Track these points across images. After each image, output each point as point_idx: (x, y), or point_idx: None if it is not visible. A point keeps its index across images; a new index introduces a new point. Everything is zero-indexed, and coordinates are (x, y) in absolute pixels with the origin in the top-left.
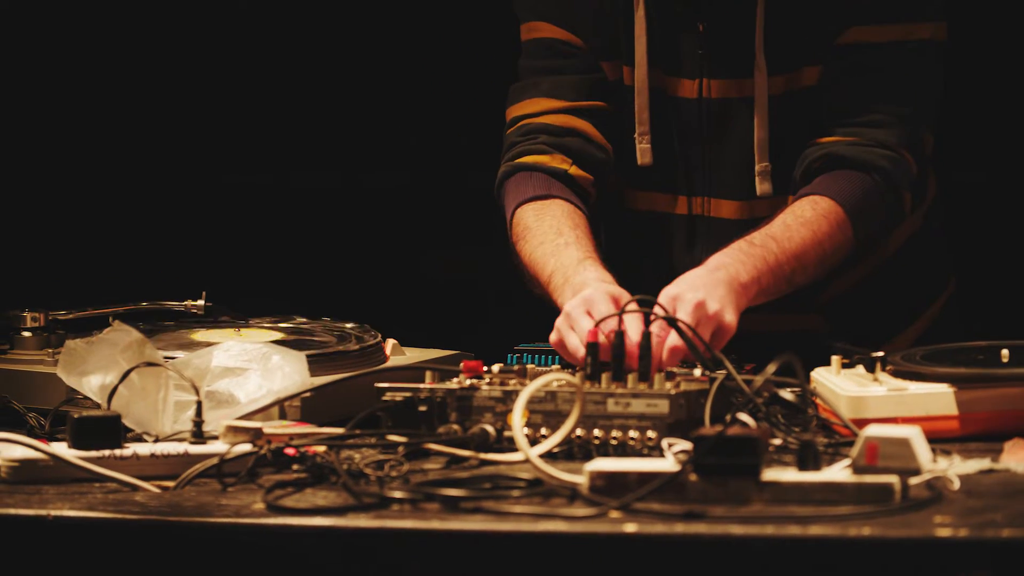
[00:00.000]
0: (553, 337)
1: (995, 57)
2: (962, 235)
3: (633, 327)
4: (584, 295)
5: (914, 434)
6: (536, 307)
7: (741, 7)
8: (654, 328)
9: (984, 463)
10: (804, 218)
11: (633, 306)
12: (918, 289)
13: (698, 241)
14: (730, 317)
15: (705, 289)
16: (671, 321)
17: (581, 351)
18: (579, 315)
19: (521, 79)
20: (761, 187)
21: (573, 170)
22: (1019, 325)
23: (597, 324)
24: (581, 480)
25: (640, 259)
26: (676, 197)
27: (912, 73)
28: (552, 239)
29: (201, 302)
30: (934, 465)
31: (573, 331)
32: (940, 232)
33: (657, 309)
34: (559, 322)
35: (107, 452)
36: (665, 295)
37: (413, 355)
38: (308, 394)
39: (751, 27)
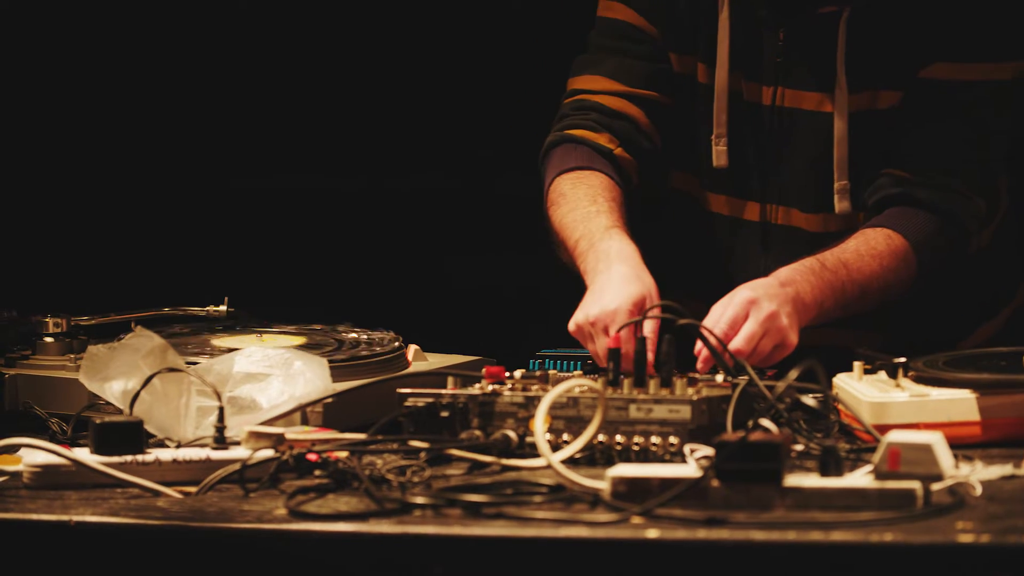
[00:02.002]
0: (572, 328)
1: None
2: None
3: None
4: (607, 306)
5: (936, 440)
6: (558, 313)
7: (824, 21)
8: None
9: (1006, 469)
10: (877, 250)
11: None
12: (983, 299)
13: (771, 248)
14: (794, 336)
15: (779, 301)
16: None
17: (602, 363)
18: (597, 332)
19: (587, 52)
20: (840, 205)
21: (618, 151)
22: None
23: (619, 330)
24: (603, 486)
25: (707, 260)
26: (748, 202)
27: (993, 116)
28: (585, 206)
29: (223, 308)
30: (956, 471)
31: (593, 343)
32: (1012, 243)
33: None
34: (578, 324)
35: (129, 458)
36: (739, 296)
37: (435, 360)
38: (330, 400)
39: (831, 42)
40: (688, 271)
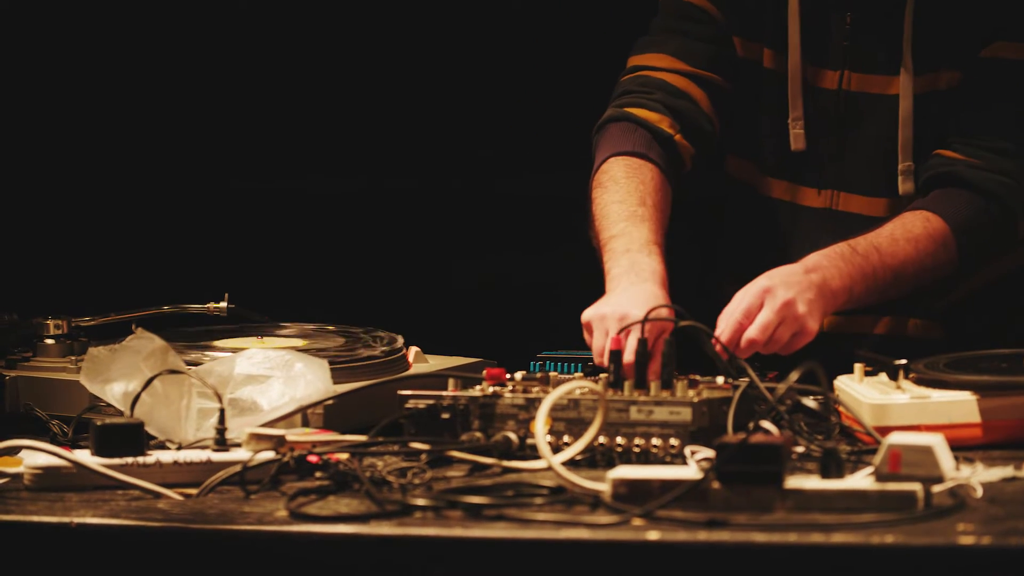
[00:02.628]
0: (586, 316)
1: None
2: None
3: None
4: (625, 311)
5: (937, 442)
6: (559, 315)
7: (890, 2)
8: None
9: (1007, 471)
10: (912, 234)
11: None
12: None
13: (825, 234)
14: (813, 323)
15: (797, 288)
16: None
17: (596, 358)
18: (613, 325)
19: (650, 35)
20: (904, 186)
21: (678, 138)
22: None
23: (619, 332)
24: (604, 488)
25: (762, 248)
26: (806, 188)
27: None
28: (633, 204)
29: (224, 304)
30: (957, 473)
31: (603, 336)
32: None
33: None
34: (592, 317)
35: (130, 459)
36: (755, 286)
37: (436, 362)
38: (331, 401)
39: (898, 24)
40: (747, 260)
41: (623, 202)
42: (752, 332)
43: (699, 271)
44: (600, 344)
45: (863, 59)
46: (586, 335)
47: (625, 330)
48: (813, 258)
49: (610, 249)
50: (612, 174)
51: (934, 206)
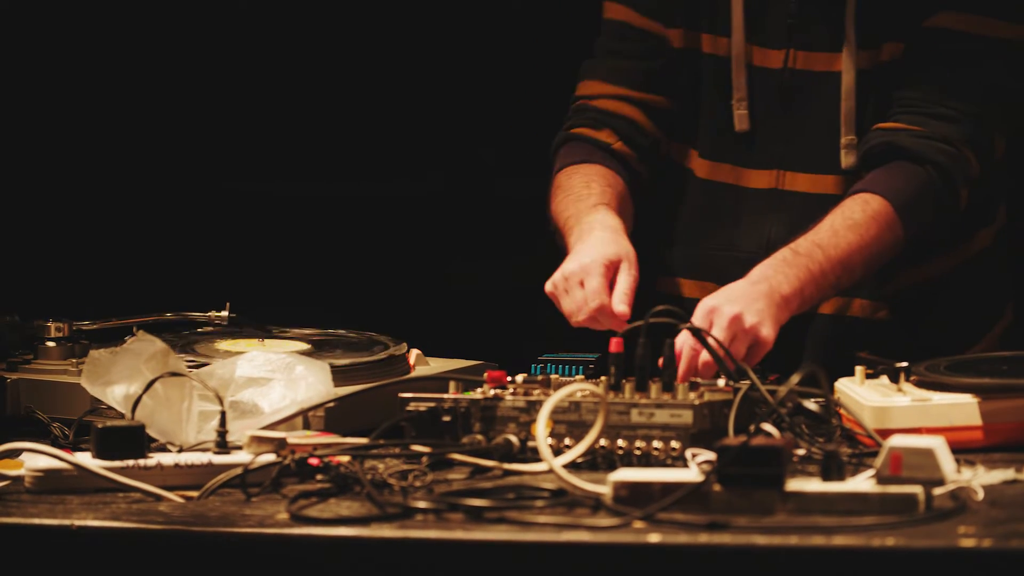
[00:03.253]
0: (548, 287)
1: None
2: None
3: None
4: (583, 261)
5: (938, 444)
6: (560, 318)
7: None
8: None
9: (1008, 474)
10: (853, 220)
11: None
12: (976, 311)
13: (771, 215)
14: (767, 331)
15: (743, 302)
16: (696, 332)
17: (574, 318)
18: (572, 286)
19: (594, 56)
20: (847, 160)
21: (617, 145)
22: None
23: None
24: (605, 490)
25: (708, 232)
26: (750, 170)
27: (991, 71)
28: (578, 190)
29: (225, 313)
30: (958, 476)
31: (567, 297)
32: (1004, 260)
33: (696, 315)
34: (554, 282)
35: (131, 462)
36: (702, 307)
37: (437, 365)
38: (332, 404)
39: (841, 2)
40: (692, 246)
41: (568, 195)
42: (706, 355)
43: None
44: (567, 308)
45: (808, 37)
46: (559, 301)
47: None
48: (757, 270)
49: (567, 230)
50: (558, 183)
51: (874, 186)
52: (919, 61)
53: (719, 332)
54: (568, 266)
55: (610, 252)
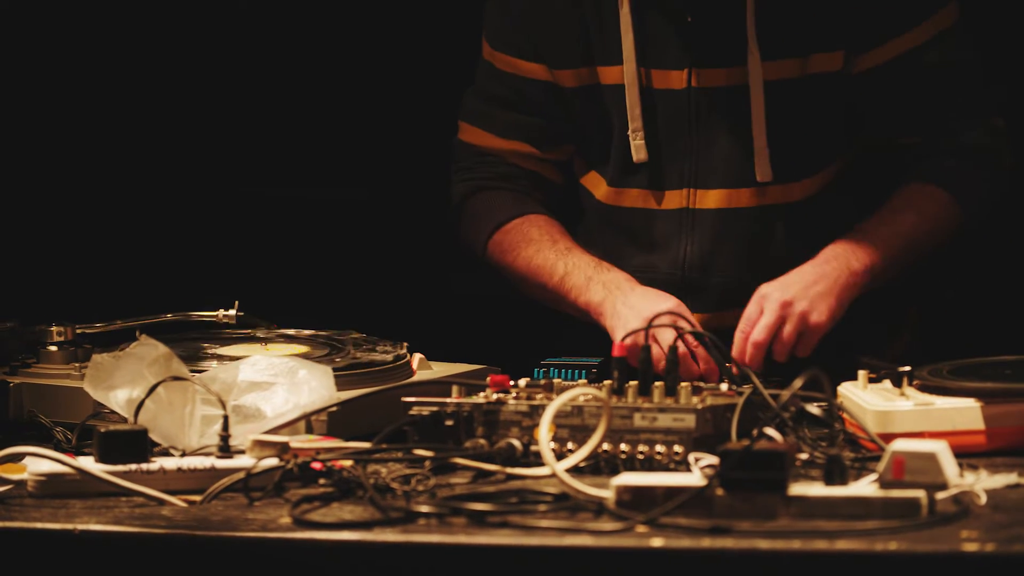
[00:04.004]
0: (627, 341)
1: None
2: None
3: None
4: (668, 307)
5: (941, 449)
6: (563, 322)
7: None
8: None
9: (1011, 478)
10: (910, 200)
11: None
12: (892, 314)
13: (683, 234)
14: (817, 316)
15: (796, 288)
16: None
17: (660, 363)
18: (662, 330)
19: (477, 96)
20: (760, 172)
21: (537, 195)
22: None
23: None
24: (608, 494)
25: (625, 256)
26: (661, 192)
27: (960, 57)
28: (550, 246)
29: (233, 312)
30: (961, 480)
31: (656, 342)
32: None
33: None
34: (632, 330)
35: (134, 466)
36: (756, 294)
37: (440, 369)
38: (335, 408)
39: (741, 15)
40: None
41: (540, 250)
42: (756, 335)
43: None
44: (657, 352)
45: (709, 55)
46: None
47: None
48: (829, 248)
49: (571, 287)
50: (511, 240)
51: (923, 176)
52: (904, 87)
53: (769, 315)
54: (655, 309)
55: (675, 302)
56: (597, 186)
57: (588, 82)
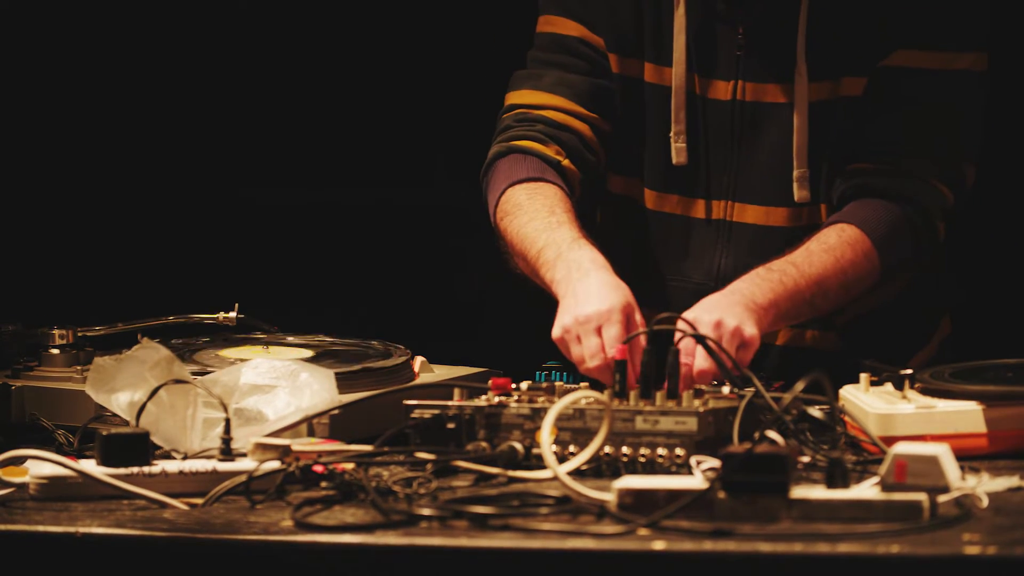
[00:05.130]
0: (557, 333)
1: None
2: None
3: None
4: (599, 307)
5: (942, 452)
6: None
7: (784, 10)
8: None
9: (1013, 481)
10: (828, 244)
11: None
12: (922, 321)
13: (718, 246)
14: (751, 330)
15: (720, 309)
16: (700, 339)
17: (581, 366)
18: (588, 332)
19: (527, 67)
20: (799, 194)
21: (566, 163)
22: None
23: (625, 342)
24: (609, 497)
25: (658, 263)
26: (698, 201)
27: (952, 104)
28: (544, 216)
29: (233, 314)
30: (963, 483)
31: (580, 344)
32: (943, 271)
33: (684, 327)
34: (566, 327)
35: (135, 469)
36: (681, 324)
37: (441, 372)
38: (336, 411)
39: (792, 32)
40: (641, 277)
41: (534, 219)
42: (700, 363)
43: None
44: (579, 353)
45: (757, 69)
46: (565, 353)
47: (630, 340)
48: (731, 285)
49: (543, 262)
50: (515, 201)
51: (848, 217)
52: (881, 102)
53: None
54: (583, 311)
55: (622, 299)
56: (633, 190)
57: (631, 74)
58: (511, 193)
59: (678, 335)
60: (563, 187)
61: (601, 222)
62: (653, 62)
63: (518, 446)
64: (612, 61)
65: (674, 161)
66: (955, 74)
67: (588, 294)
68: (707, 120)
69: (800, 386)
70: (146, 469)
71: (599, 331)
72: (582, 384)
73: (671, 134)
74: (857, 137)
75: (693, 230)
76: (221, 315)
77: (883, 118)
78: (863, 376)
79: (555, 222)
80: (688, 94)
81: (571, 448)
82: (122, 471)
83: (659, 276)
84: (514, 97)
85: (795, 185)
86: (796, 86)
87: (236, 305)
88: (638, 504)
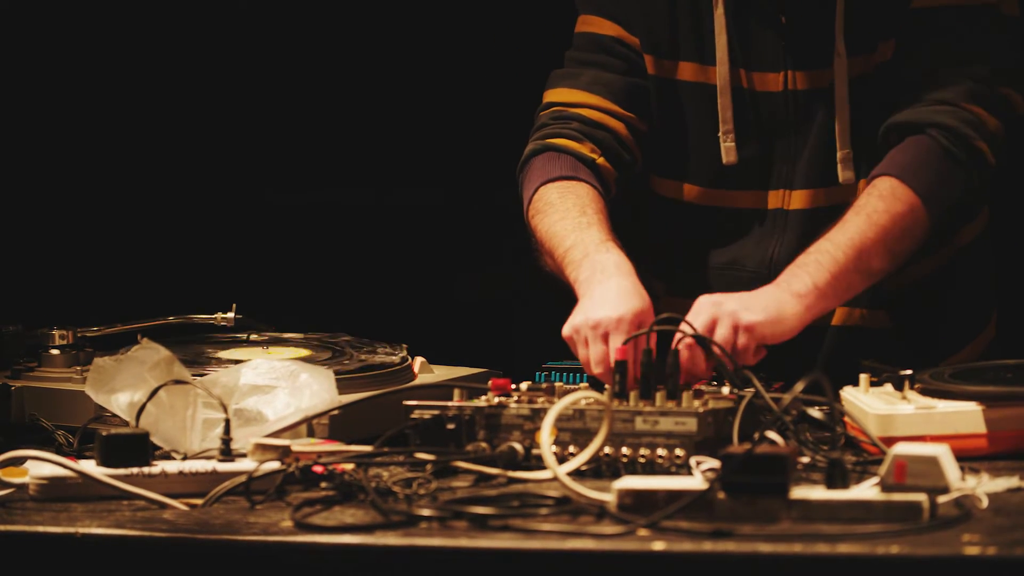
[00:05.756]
0: (567, 331)
1: None
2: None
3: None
4: (611, 314)
5: (942, 452)
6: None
7: None
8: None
9: (1013, 481)
10: (858, 206)
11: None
12: (963, 317)
13: (774, 234)
14: (752, 316)
15: (738, 297)
16: (700, 339)
17: (587, 369)
18: (595, 337)
19: (565, 67)
20: (844, 175)
21: (600, 160)
22: None
23: (626, 342)
24: (609, 498)
25: (711, 255)
26: (755, 193)
27: (977, 33)
28: (575, 216)
29: (231, 315)
30: (962, 483)
31: (586, 348)
32: (990, 267)
33: (685, 328)
34: (576, 327)
35: (135, 470)
36: (696, 302)
37: (441, 373)
38: (336, 412)
39: (831, 13)
40: (691, 268)
41: (564, 218)
42: (698, 360)
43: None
44: (585, 356)
45: (803, 56)
46: (577, 347)
47: (631, 340)
48: (781, 275)
49: (569, 261)
50: (547, 199)
51: (881, 168)
52: (907, 48)
53: (700, 317)
54: (594, 315)
55: (636, 306)
56: (678, 191)
57: (667, 75)
58: (544, 191)
59: (668, 331)
60: (596, 186)
61: (645, 221)
62: (696, 62)
63: (518, 447)
64: (648, 63)
65: (724, 160)
66: (982, 8)
67: (604, 299)
68: (760, 114)
69: (800, 386)
70: (146, 470)
71: (606, 338)
72: (582, 385)
73: (719, 133)
74: (891, 89)
75: (749, 221)
76: (219, 316)
77: (911, 61)
78: (863, 377)
79: (585, 222)
80: (735, 91)
81: (571, 449)
82: (122, 472)
83: (714, 266)
84: (551, 95)
85: (839, 166)
86: (836, 67)
87: (233, 306)
88: (638, 505)
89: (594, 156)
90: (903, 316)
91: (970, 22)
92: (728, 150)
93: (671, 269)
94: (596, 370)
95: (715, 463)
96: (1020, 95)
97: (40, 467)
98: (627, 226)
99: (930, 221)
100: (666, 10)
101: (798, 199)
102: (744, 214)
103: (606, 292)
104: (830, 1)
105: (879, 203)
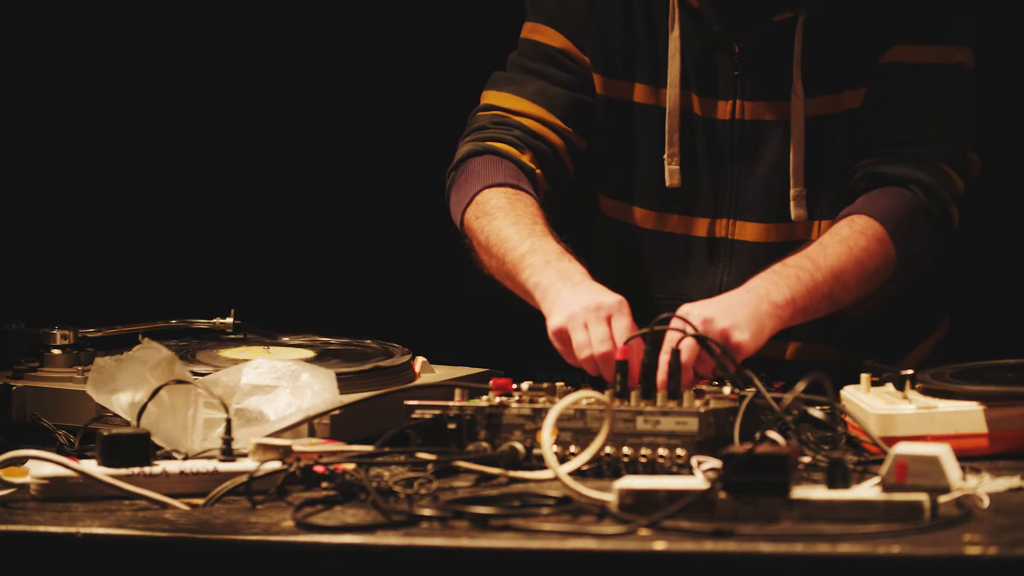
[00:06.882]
0: (558, 323)
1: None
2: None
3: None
4: (607, 300)
5: (943, 452)
6: None
7: (779, 29)
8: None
9: (1014, 481)
10: (840, 236)
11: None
12: (922, 317)
13: (719, 263)
14: (742, 336)
15: (719, 307)
16: (700, 339)
17: (585, 351)
18: (598, 319)
19: (508, 71)
20: (796, 212)
21: (539, 173)
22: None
23: (626, 342)
24: (610, 498)
25: (658, 281)
26: (699, 220)
27: (951, 94)
28: (527, 224)
29: (229, 320)
30: (963, 483)
31: (586, 331)
32: (944, 262)
33: (687, 328)
34: (572, 314)
35: (136, 470)
36: (679, 312)
37: (442, 373)
38: (337, 412)
39: (788, 49)
40: (638, 295)
41: (517, 223)
42: (685, 356)
43: None
44: (584, 340)
45: (755, 88)
46: (559, 344)
47: (632, 339)
48: (750, 281)
49: (528, 264)
50: (495, 203)
51: (860, 207)
52: (881, 98)
53: (690, 330)
54: (592, 300)
55: (619, 297)
56: (626, 213)
57: (619, 96)
58: (489, 194)
59: (671, 330)
60: (537, 199)
61: (595, 242)
62: (647, 83)
63: (519, 446)
64: (597, 82)
65: (667, 183)
66: (953, 67)
67: (590, 290)
68: (706, 140)
69: (801, 386)
70: (147, 469)
71: (609, 320)
72: (583, 384)
73: (664, 156)
74: (861, 138)
75: (694, 249)
76: (217, 321)
77: (886, 113)
78: (864, 376)
79: (539, 231)
80: (684, 115)
81: (572, 448)
82: (123, 471)
83: (657, 294)
84: (493, 98)
85: (792, 204)
86: (792, 105)
87: (232, 311)
88: (639, 504)
89: (533, 167)
90: (850, 336)
91: (944, 80)
92: (672, 173)
93: (618, 291)
94: (600, 349)
95: (716, 463)
96: (978, 157)
97: (41, 467)
98: (575, 245)
99: (896, 267)
100: (622, 30)
101: (747, 231)
102: (691, 241)
103: (589, 288)
104: (787, 39)
105: (860, 238)
